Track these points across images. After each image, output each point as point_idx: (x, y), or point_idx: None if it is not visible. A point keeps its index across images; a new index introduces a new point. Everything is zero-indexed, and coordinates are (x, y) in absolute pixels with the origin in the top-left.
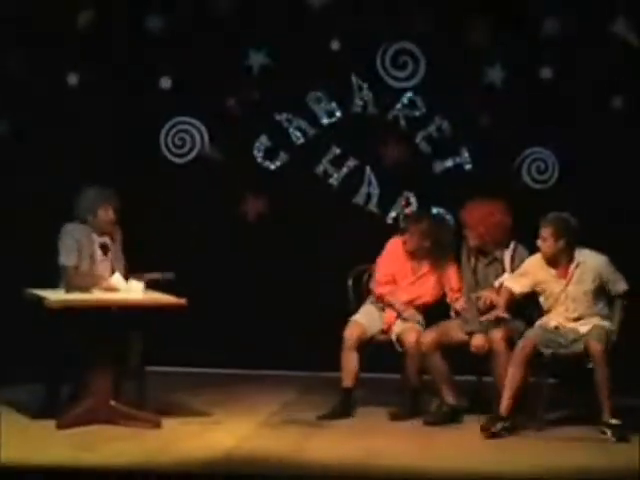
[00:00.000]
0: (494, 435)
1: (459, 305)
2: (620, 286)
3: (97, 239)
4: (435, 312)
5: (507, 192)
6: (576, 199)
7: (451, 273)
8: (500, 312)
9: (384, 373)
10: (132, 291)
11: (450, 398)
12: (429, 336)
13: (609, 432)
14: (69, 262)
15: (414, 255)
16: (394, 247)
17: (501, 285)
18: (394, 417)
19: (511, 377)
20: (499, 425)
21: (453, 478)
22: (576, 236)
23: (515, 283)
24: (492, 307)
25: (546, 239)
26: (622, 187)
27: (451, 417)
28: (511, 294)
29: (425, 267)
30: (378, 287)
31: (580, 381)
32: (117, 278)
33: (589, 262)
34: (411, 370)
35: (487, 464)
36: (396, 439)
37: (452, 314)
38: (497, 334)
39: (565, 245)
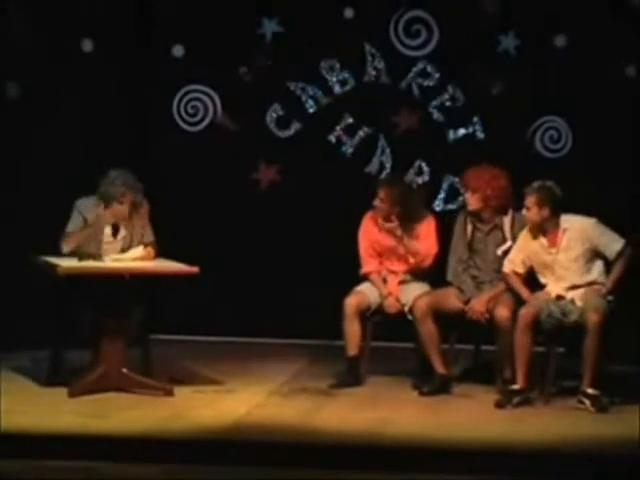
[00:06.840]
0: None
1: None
2: (615, 246)
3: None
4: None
5: (520, 161)
6: (589, 168)
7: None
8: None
9: (394, 342)
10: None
11: (440, 368)
12: (422, 301)
13: (587, 402)
14: (68, 229)
15: (389, 221)
16: (367, 221)
17: (504, 253)
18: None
19: (519, 346)
20: (516, 400)
21: (463, 447)
22: (560, 204)
23: (517, 262)
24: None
25: (530, 208)
26: (636, 155)
27: (443, 387)
28: (517, 274)
29: (404, 230)
30: (364, 266)
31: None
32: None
33: (575, 227)
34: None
35: (497, 433)
36: (406, 408)
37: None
38: (502, 311)
39: (550, 213)
